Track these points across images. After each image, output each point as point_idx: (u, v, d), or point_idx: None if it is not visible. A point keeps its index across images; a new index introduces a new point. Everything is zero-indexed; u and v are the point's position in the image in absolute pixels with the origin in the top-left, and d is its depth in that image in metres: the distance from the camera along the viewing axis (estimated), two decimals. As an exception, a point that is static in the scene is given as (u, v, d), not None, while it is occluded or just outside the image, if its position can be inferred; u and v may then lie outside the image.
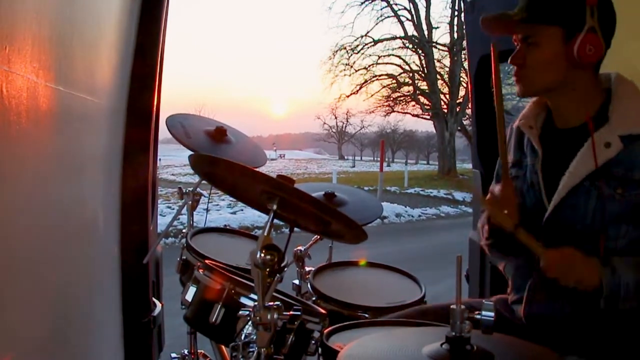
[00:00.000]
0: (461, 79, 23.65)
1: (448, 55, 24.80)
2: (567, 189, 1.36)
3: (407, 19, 24.79)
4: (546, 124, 1.48)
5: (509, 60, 1.41)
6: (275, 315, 1.23)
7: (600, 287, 1.26)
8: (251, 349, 1.27)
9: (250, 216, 9.73)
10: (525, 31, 1.38)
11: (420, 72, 25.41)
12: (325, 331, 1.38)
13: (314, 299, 1.87)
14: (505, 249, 1.50)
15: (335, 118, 45.81)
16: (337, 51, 25.65)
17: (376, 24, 30.08)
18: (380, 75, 26.19)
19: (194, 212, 2.30)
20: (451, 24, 24.05)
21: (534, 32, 1.37)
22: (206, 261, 1.71)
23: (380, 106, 27.04)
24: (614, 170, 1.31)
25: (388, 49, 25.63)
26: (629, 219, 1.31)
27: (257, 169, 1.31)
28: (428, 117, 26.04)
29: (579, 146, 1.37)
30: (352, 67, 25.71)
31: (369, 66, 25.90)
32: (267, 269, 1.21)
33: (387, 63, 26.05)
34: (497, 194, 1.42)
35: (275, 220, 1.31)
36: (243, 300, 1.48)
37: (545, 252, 1.29)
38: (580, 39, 1.32)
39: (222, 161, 1.34)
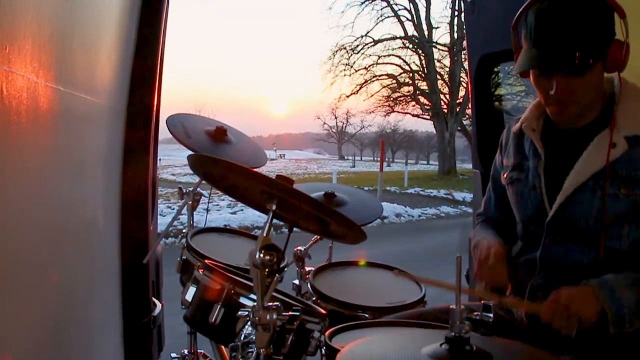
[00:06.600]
0: (461, 79, 23.67)
1: (448, 55, 24.81)
2: (572, 187, 1.36)
3: (407, 19, 24.85)
4: (547, 126, 1.48)
5: (552, 92, 1.32)
6: (274, 316, 1.23)
7: (604, 313, 1.24)
8: (250, 349, 1.27)
9: (250, 216, 9.73)
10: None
11: (420, 72, 25.42)
12: (329, 332, 1.38)
13: (313, 299, 1.87)
14: None
15: (335, 118, 45.97)
16: (337, 51, 25.73)
17: (376, 24, 30.22)
18: (380, 75, 26.24)
19: (194, 212, 2.30)
20: (451, 24, 24.10)
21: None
22: (206, 261, 1.71)
23: (380, 106, 27.10)
24: (619, 170, 1.32)
25: (388, 49, 25.70)
26: (631, 219, 1.32)
27: (257, 169, 1.31)
28: (428, 117, 26.05)
29: (582, 147, 1.38)
30: (352, 67, 25.78)
31: (369, 66, 25.97)
32: (266, 269, 1.21)
33: (387, 63, 26.12)
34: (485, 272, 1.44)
35: (275, 220, 1.31)
36: (243, 300, 1.48)
37: (539, 307, 1.28)
38: (614, 51, 1.30)
39: (220, 161, 1.34)
